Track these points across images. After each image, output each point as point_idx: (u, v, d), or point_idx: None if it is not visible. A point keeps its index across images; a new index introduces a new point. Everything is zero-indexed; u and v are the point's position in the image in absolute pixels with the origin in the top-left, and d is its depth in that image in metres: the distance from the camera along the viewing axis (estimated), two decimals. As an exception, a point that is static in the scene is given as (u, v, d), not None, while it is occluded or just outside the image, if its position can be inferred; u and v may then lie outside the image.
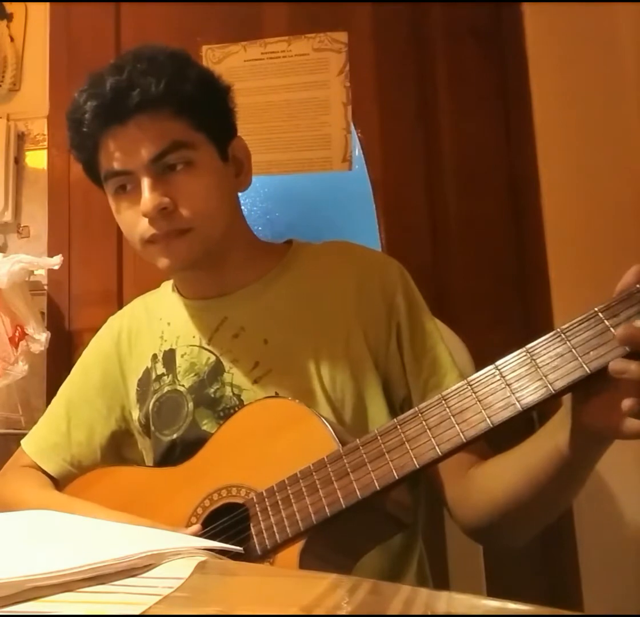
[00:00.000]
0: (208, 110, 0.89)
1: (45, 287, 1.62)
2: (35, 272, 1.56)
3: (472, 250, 1.45)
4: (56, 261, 1.44)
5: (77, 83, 1.69)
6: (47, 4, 1.72)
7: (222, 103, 0.92)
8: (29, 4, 1.75)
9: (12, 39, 1.74)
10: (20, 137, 1.72)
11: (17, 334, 1.45)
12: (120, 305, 1.56)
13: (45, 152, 1.69)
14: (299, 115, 1.55)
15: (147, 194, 0.84)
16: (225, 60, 1.56)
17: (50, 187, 1.67)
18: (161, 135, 0.85)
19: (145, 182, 0.84)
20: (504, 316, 1.42)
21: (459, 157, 1.48)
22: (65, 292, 1.62)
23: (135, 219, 0.87)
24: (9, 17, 1.75)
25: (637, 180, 1.33)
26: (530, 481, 0.74)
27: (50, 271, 1.58)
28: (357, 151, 1.53)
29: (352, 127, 1.52)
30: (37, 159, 1.71)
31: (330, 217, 1.59)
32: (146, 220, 0.85)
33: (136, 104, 0.83)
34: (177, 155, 0.85)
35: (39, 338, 1.45)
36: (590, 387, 0.64)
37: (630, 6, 1.34)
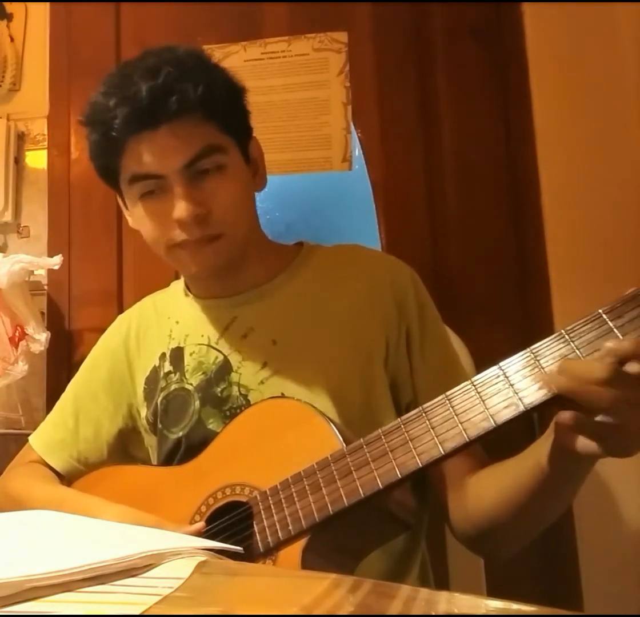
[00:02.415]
0: (235, 112, 0.89)
1: (45, 287, 1.62)
2: (35, 272, 1.56)
3: (472, 250, 1.45)
4: (56, 261, 1.44)
5: (77, 83, 1.70)
6: (47, 4, 1.72)
7: (244, 104, 0.92)
8: (29, 4, 1.75)
9: (12, 39, 1.74)
10: (20, 137, 1.72)
11: (17, 334, 1.45)
12: (120, 305, 1.57)
13: (45, 152, 1.69)
14: (299, 115, 1.55)
15: (183, 202, 0.83)
16: (225, 60, 1.56)
17: (50, 187, 1.67)
18: (194, 140, 0.84)
19: (180, 189, 0.83)
20: (504, 315, 1.42)
21: (459, 157, 1.48)
22: (65, 292, 1.62)
23: (163, 224, 0.86)
24: (9, 17, 1.75)
25: (637, 180, 1.33)
26: (515, 494, 0.76)
27: (50, 271, 1.58)
28: (357, 151, 1.53)
29: (352, 127, 1.52)
30: (37, 159, 1.71)
31: (330, 217, 1.59)
32: (175, 224, 0.85)
33: (174, 110, 0.82)
34: (210, 160, 0.85)
35: (39, 338, 1.45)
36: (565, 404, 0.64)
37: (630, 6, 1.34)
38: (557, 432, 0.67)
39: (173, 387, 0.94)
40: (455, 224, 1.47)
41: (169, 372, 0.95)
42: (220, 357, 0.93)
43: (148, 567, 0.49)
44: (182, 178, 0.84)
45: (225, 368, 0.92)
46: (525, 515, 0.77)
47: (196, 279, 0.98)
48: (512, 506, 0.76)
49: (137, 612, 0.38)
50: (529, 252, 1.42)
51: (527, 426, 1.23)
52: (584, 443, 0.63)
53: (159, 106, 0.82)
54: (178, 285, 1.04)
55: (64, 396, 1.05)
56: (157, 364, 0.97)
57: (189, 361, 0.94)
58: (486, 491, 0.80)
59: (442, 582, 1.03)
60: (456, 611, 0.39)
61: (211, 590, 0.47)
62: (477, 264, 1.45)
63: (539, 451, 0.71)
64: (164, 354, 0.97)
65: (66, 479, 0.99)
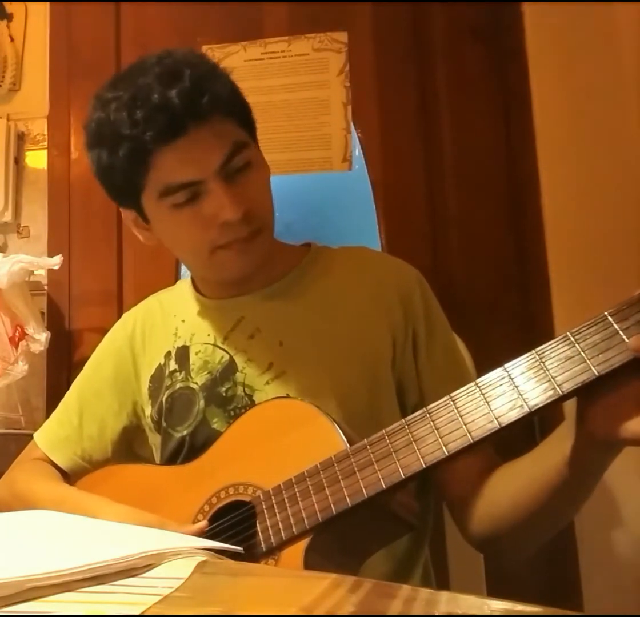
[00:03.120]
0: (247, 107, 0.90)
1: (45, 287, 1.62)
2: (35, 272, 1.56)
3: (472, 251, 1.45)
4: (56, 261, 1.44)
5: (77, 83, 1.70)
6: (47, 4, 1.72)
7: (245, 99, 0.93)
8: (29, 4, 1.75)
9: (12, 39, 1.74)
10: (20, 137, 1.72)
11: (17, 334, 1.45)
12: (120, 306, 1.57)
13: (45, 152, 1.69)
14: (299, 115, 1.55)
15: (229, 202, 0.82)
16: (225, 60, 1.56)
17: (50, 187, 1.67)
18: (224, 138, 0.84)
19: (222, 190, 0.83)
20: (504, 316, 1.42)
21: (459, 157, 1.48)
22: (65, 292, 1.62)
23: (203, 229, 0.85)
24: (9, 17, 1.75)
25: (637, 180, 1.33)
26: (535, 492, 0.74)
27: (50, 271, 1.58)
28: (357, 151, 1.53)
29: (352, 127, 1.53)
30: (37, 159, 1.71)
31: (330, 217, 1.58)
32: (215, 227, 0.84)
33: (207, 111, 0.81)
34: (240, 156, 0.85)
35: (39, 338, 1.45)
36: (594, 394, 0.64)
37: (630, 6, 1.34)
38: (589, 420, 0.65)
39: (178, 386, 0.94)
40: (455, 225, 1.47)
41: (174, 371, 0.95)
42: (226, 357, 0.93)
43: (148, 567, 0.49)
44: (220, 179, 0.83)
45: (230, 368, 0.92)
46: (543, 514, 0.75)
47: (242, 277, 0.92)
48: (531, 506, 0.75)
49: (137, 612, 0.38)
50: (529, 252, 1.42)
51: (528, 429, 1.23)
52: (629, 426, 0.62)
53: (192, 109, 0.80)
54: (184, 284, 1.04)
55: (68, 394, 1.05)
56: (162, 363, 0.97)
57: (194, 360, 0.94)
58: (499, 495, 0.79)
59: (442, 582, 1.03)
60: (456, 611, 0.39)
61: (211, 590, 0.47)
62: (478, 265, 1.45)
63: (562, 445, 0.69)
64: (169, 353, 0.97)
65: (70, 476, 0.99)
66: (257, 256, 0.89)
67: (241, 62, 1.57)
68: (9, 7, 1.76)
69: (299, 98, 1.55)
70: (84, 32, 1.68)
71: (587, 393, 0.64)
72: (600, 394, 0.63)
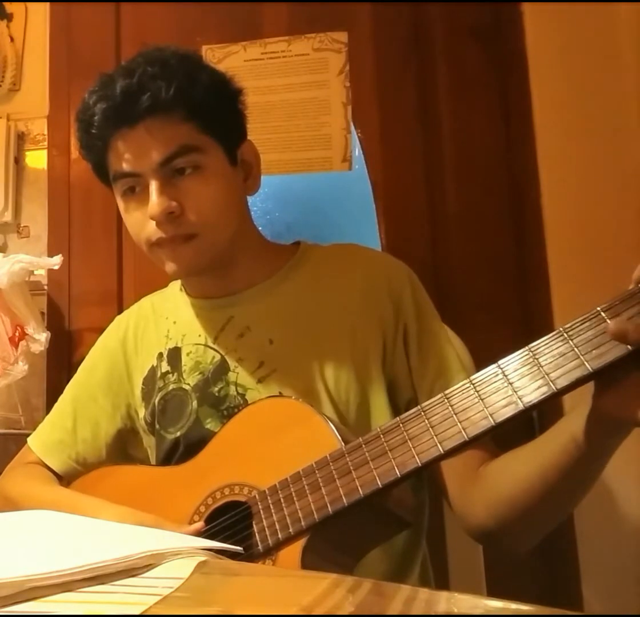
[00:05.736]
0: (218, 114, 0.89)
1: (45, 287, 1.62)
2: (35, 272, 1.56)
3: (472, 251, 1.45)
4: (56, 261, 1.44)
5: (77, 83, 1.70)
6: (47, 4, 1.72)
7: (233, 107, 0.92)
8: (29, 4, 1.75)
9: (12, 39, 1.74)
10: (20, 137, 1.72)
11: (17, 334, 1.45)
12: (120, 305, 1.57)
13: (45, 152, 1.69)
14: (299, 115, 1.55)
15: (155, 198, 0.84)
16: (225, 60, 1.56)
17: (50, 187, 1.67)
18: (170, 139, 0.85)
19: (154, 186, 0.85)
20: (504, 315, 1.42)
21: (459, 157, 1.48)
22: (65, 292, 1.62)
23: (142, 221, 0.87)
24: (9, 17, 1.75)
25: (637, 180, 1.33)
26: (543, 474, 0.73)
27: (50, 271, 1.58)
28: (357, 151, 1.53)
29: (352, 127, 1.52)
30: (37, 159, 1.71)
31: (330, 217, 1.59)
32: (153, 223, 0.86)
33: (146, 108, 0.83)
34: (186, 159, 0.86)
35: (39, 338, 1.45)
36: (614, 375, 0.63)
37: (630, 6, 1.34)
38: (607, 400, 0.65)
39: (171, 387, 0.94)
40: (455, 224, 1.47)
41: (167, 373, 0.95)
42: (217, 357, 0.93)
43: (148, 567, 0.49)
44: (157, 176, 0.85)
45: (222, 368, 0.92)
46: (550, 497, 0.75)
47: (178, 278, 1.00)
48: (538, 488, 0.74)
49: (137, 612, 0.38)
50: (529, 251, 1.42)
51: (527, 426, 1.23)
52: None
53: (132, 104, 0.83)
54: (175, 286, 1.05)
55: (62, 397, 1.05)
56: (154, 364, 0.97)
57: (186, 361, 0.95)
58: (505, 478, 0.79)
59: (442, 582, 1.03)
60: (456, 611, 0.39)
61: (211, 590, 0.47)
62: (477, 264, 1.45)
63: (571, 427, 0.69)
64: (161, 354, 0.97)
65: (65, 480, 0.99)
66: (189, 261, 0.89)
67: (241, 62, 1.57)
68: (9, 7, 1.76)
69: (299, 98, 1.55)
70: (84, 32, 1.68)
71: (603, 376, 0.63)
72: (620, 376, 0.63)
